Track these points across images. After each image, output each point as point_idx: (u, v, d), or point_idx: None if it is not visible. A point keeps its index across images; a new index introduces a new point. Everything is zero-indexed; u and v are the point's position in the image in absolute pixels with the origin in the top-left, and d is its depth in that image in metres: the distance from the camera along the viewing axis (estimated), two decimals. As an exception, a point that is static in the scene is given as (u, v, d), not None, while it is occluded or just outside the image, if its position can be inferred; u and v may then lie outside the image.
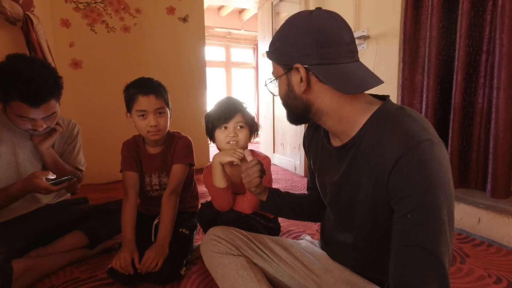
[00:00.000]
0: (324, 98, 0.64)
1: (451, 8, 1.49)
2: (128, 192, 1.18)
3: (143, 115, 1.13)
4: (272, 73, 0.72)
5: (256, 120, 1.15)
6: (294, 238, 1.41)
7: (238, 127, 1.07)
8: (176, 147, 1.24)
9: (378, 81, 0.63)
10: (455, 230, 1.49)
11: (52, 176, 1.02)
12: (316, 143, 0.82)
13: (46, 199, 1.25)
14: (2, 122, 1.08)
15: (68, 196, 1.38)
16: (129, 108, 1.15)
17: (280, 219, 1.27)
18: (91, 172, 1.88)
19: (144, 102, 1.11)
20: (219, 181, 1.06)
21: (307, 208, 0.95)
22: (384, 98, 0.67)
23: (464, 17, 1.39)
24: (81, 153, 1.34)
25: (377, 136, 0.60)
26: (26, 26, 1.70)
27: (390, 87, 1.86)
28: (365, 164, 0.63)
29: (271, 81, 0.72)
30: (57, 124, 1.15)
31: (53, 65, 1.22)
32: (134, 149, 1.24)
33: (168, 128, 1.23)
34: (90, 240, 1.21)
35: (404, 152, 0.54)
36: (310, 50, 0.61)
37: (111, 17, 2.47)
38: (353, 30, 2.22)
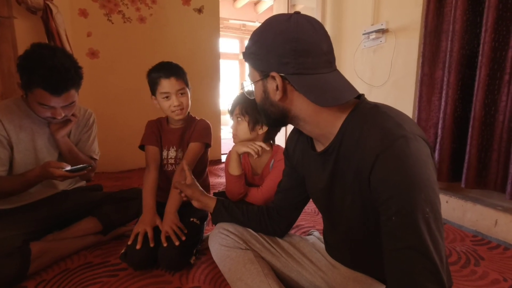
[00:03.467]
0: (300, 105, 0.63)
1: (477, 0, 1.41)
2: (149, 165, 1.26)
3: (167, 97, 1.21)
4: (249, 75, 0.70)
5: None
6: (302, 233, 1.40)
7: (236, 120, 1.12)
8: (196, 126, 1.31)
9: (354, 93, 0.61)
10: (469, 232, 1.45)
11: (67, 167, 1.05)
12: (301, 148, 0.80)
13: (62, 185, 1.29)
14: (22, 109, 1.12)
15: (83, 183, 1.42)
16: (153, 91, 1.24)
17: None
18: (105, 160, 1.93)
19: (166, 84, 1.19)
20: (233, 169, 1.12)
21: (256, 224, 0.90)
22: (359, 97, 0.64)
23: (491, 10, 1.32)
24: (96, 142, 1.37)
25: (355, 138, 0.59)
26: (46, 15, 1.74)
27: (408, 82, 1.81)
28: (348, 168, 0.62)
29: (248, 85, 0.70)
30: (73, 114, 1.17)
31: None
32: (156, 126, 1.34)
33: (189, 108, 1.29)
34: (104, 226, 1.25)
35: (380, 153, 0.53)
36: (287, 59, 0.59)
37: (127, 8, 2.49)
38: (371, 23, 2.14)
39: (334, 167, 0.65)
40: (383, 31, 1.94)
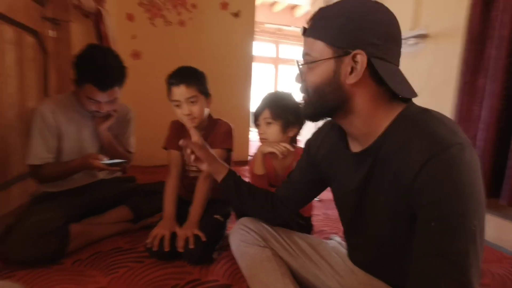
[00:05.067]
0: (364, 95, 0.59)
1: (528, 4, 1.31)
2: (171, 170, 1.28)
3: (177, 105, 1.19)
4: (308, 54, 0.61)
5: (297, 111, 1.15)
6: (324, 238, 1.39)
7: (265, 124, 1.12)
8: (217, 132, 1.28)
9: (414, 92, 0.59)
10: (509, 253, 1.34)
11: (107, 160, 1.16)
12: (329, 147, 0.76)
13: (101, 175, 1.40)
14: (72, 103, 1.24)
15: (119, 174, 1.53)
16: (169, 97, 1.22)
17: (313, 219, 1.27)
18: (140, 155, 2.04)
19: (176, 92, 1.17)
20: (258, 168, 1.15)
21: (258, 208, 0.89)
22: (406, 101, 0.62)
23: (544, 15, 1.22)
24: (132, 137, 1.48)
25: (400, 141, 0.57)
26: (97, 19, 1.90)
27: (446, 89, 1.71)
28: (387, 170, 0.59)
29: (311, 63, 0.60)
30: (114, 110, 1.28)
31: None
32: (178, 129, 1.32)
33: (205, 113, 1.25)
34: (135, 215, 1.34)
35: (431, 156, 0.50)
36: (378, 41, 0.55)
37: (169, 12, 2.63)
38: (410, 27, 2.06)
39: (371, 169, 0.62)
40: (422, 36, 1.86)
